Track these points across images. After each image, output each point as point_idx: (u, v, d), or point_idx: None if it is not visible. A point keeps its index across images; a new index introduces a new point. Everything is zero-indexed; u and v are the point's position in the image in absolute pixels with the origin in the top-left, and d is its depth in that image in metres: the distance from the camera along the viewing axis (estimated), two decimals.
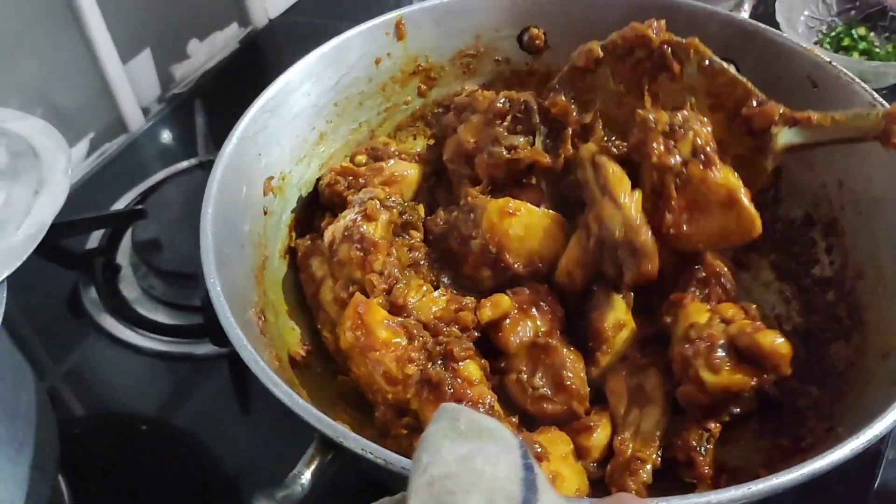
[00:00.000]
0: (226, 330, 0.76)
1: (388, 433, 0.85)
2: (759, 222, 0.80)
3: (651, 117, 0.84)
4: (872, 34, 1.45)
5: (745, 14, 1.03)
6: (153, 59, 1.47)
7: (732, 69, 0.90)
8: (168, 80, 1.52)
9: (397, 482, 0.62)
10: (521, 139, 0.99)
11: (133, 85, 1.44)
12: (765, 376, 0.77)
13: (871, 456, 0.97)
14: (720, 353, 0.78)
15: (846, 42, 1.43)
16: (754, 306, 0.86)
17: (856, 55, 1.40)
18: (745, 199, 0.81)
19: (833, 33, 1.45)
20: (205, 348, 1.11)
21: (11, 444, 0.81)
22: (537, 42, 1.12)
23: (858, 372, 0.82)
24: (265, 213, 0.98)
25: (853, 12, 1.48)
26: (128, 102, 1.44)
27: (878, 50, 1.41)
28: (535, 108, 0.99)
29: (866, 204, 0.91)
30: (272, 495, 0.66)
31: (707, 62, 0.90)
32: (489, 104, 1.00)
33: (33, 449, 0.84)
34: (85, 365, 1.13)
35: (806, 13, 1.45)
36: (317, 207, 1.06)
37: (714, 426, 0.81)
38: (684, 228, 0.84)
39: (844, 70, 0.94)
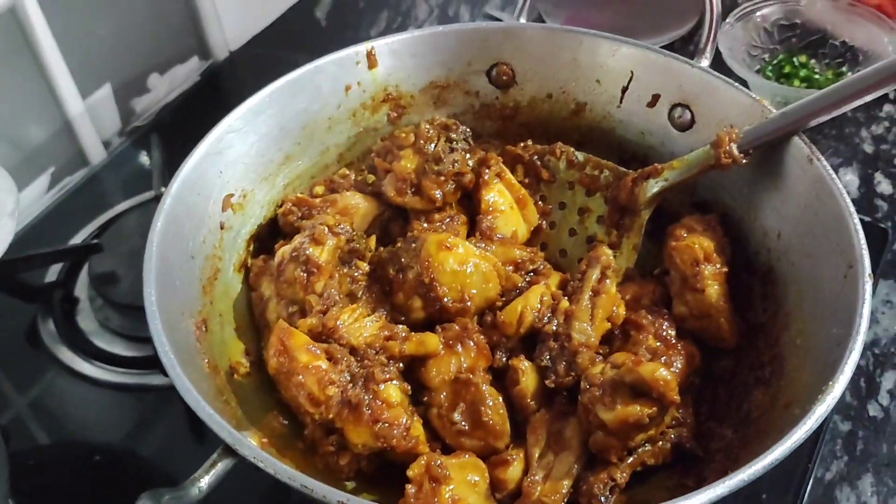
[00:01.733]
0: (153, 336, 0.81)
1: (316, 450, 0.90)
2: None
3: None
4: (813, 61, 1.49)
5: (705, 62, 1.08)
6: (114, 93, 1.50)
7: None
8: (129, 113, 1.55)
9: (293, 494, 0.70)
10: (461, 154, 1.06)
11: (94, 119, 1.47)
12: (656, 408, 0.81)
13: (799, 473, 1.01)
14: (612, 392, 0.83)
15: (787, 69, 1.47)
16: (643, 350, 0.91)
17: (797, 83, 1.44)
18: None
19: (775, 61, 1.49)
20: (160, 379, 1.13)
21: None
22: (505, 77, 1.16)
23: (767, 420, 0.85)
24: (222, 228, 1.02)
25: (794, 40, 1.52)
26: (88, 136, 1.47)
27: (818, 76, 1.46)
28: (464, 127, 1.09)
29: (798, 257, 0.94)
30: (158, 497, 0.70)
31: (573, 158, 1.09)
32: (416, 133, 1.05)
33: None
34: (43, 397, 1.15)
35: (747, 42, 1.49)
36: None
37: (620, 476, 0.85)
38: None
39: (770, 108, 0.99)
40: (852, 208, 0.87)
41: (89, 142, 1.48)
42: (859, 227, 0.86)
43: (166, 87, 1.60)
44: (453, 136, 1.07)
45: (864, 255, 0.84)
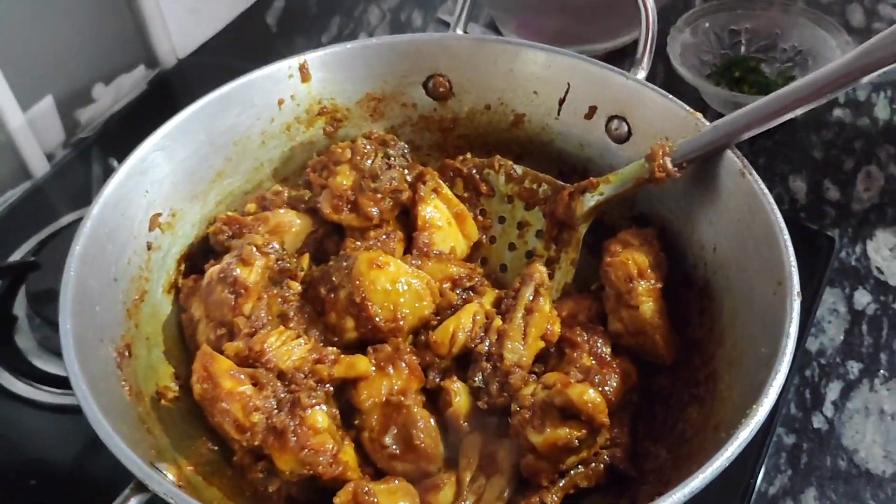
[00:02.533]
0: (66, 365, 0.79)
1: (245, 476, 0.88)
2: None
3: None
4: (763, 65, 1.49)
5: (642, 73, 1.07)
6: (56, 104, 1.47)
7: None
8: (73, 124, 1.52)
9: None
10: (398, 171, 1.06)
11: (36, 131, 1.44)
12: (586, 430, 0.81)
13: (742, 488, 1.00)
14: (542, 414, 0.82)
15: (737, 74, 1.46)
16: (574, 370, 0.90)
17: (747, 88, 1.44)
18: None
19: (725, 66, 1.48)
20: None
21: None
22: (442, 89, 1.15)
23: (700, 440, 0.84)
24: (150, 248, 1.00)
25: (744, 45, 1.51)
26: (30, 149, 1.44)
27: (767, 80, 1.45)
28: (402, 143, 1.09)
29: (733, 271, 0.93)
30: None
31: (512, 171, 1.10)
32: (353, 149, 1.04)
33: None
34: None
35: (697, 48, 1.48)
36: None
37: (551, 500, 0.84)
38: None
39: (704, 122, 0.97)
40: (783, 224, 0.86)
41: (31, 155, 1.45)
42: (789, 243, 0.85)
43: (112, 96, 1.58)
44: (391, 151, 1.06)
45: (794, 272, 0.83)
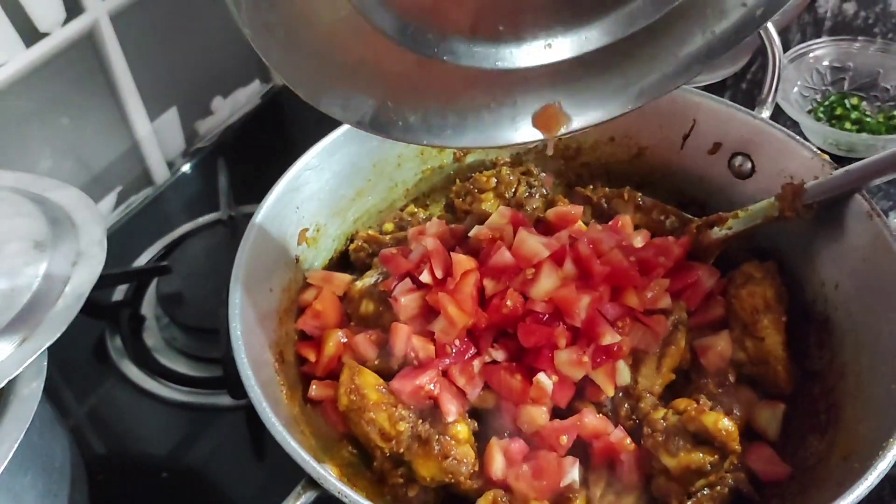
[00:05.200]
0: (238, 368, 0.84)
1: (385, 481, 0.93)
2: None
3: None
4: (864, 103, 1.52)
5: (766, 112, 1.11)
6: (179, 116, 1.55)
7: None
8: (193, 135, 1.60)
9: None
10: (540, 200, 1.13)
11: (160, 140, 1.52)
12: (717, 456, 0.86)
13: None
14: (676, 439, 0.87)
15: (839, 111, 1.49)
16: (703, 397, 0.93)
17: (848, 125, 1.47)
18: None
19: (826, 102, 1.51)
20: (223, 399, 1.17)
21: (47, 496, 0.88)
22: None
23: (825, 468, 0.88)
24: (297, 261, 1.06)
25: (846, 82, 1.54)
26: (154, 157, 1.52)
27: (869, 119, 1.48)
28: (543, 174, 1.14)
29: (856, 309, 0.96)
30: None
31: (640, 202, 1.13)
32: (498, 178, 1.11)
33: (66, 499, 0.91)
34: (109, 410, 1.20)
35: (800, 83, 1.52)
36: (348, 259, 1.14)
37: None
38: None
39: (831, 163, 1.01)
40: None
41: (155, 162, 1.53)
42: None
43: (229, 109, 1.65)
44: (533, 181, 1.11)
45: None
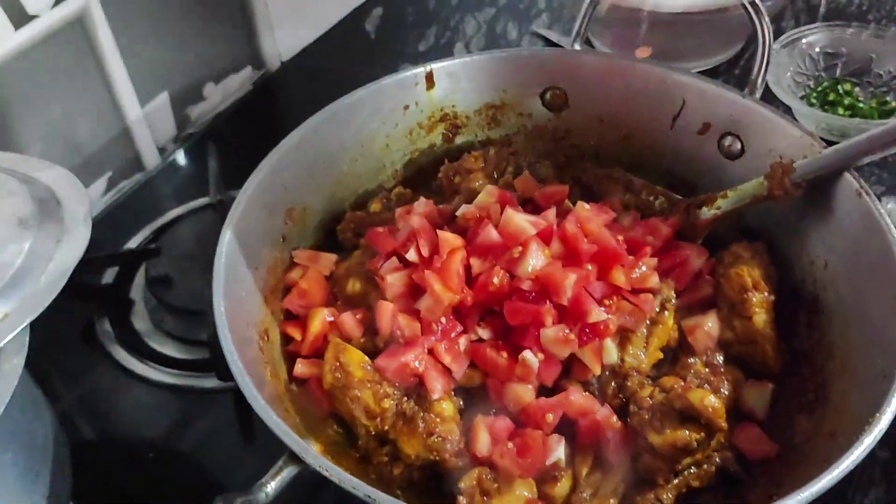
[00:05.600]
0: (222, 345, 0.84)
1: (370, 460, 0.93)
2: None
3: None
4: (857, 89, 1.51)
5: (757, 92, 1.11)
6: (170, 101, 1.54)
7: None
8: (184, 120, 1.59)
9: (351, 500, 0.73)
10: None
11: (150, 125, 1.51)
12: (704, 434, 0.85)
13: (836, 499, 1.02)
14: (662, 416, 0.86)
15: (832, 97, 1.48)
16: (691, 375, 0.94)
17: (841, 111, 1.46)
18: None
19: (819, 88, 1.51)
20: (211, 382, 1.17)
21: (28, 475, 0.87)
22: (558, 101, 1.19)
23: (812, 446, 0.87)
24: (283, 240, 1.06)
25: (839, 68, 1.54)
26: (145, 142, 1.52)
27: (861, 105, 1.47)
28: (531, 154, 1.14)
29: (845, 288, 0.96)
30: (231, 500, 0.75)
31: (629, 182, 1.13)
32: (486, 158, 1.11)
33: (49, 479, 0.90)
34: (97, 393, 1.19)
35: (792, 69, 1.51)
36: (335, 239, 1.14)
37: (666, 498, 0.87)
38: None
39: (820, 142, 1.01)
40: None
41: (145, 147, 1.52)
42: None
43: (220, 95, 1.65)
44: (521, 162, 1.11)
45: None
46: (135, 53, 1.42)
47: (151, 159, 1.54)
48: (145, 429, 1.16)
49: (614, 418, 0.91)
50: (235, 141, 1.55)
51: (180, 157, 1.57)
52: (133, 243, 1.39)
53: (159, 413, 1.18)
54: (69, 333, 1.26)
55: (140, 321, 1.28)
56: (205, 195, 1.43)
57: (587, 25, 1.21)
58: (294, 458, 0.77)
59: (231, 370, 0.82)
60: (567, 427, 0.93)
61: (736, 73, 1.62)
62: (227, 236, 0.93)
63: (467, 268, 0.96)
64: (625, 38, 1.62)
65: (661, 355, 0.97)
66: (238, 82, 1.68)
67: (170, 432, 1.15)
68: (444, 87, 1.16)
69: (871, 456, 1.06)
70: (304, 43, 1.79)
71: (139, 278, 1.33)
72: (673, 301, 0.99)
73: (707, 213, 1.05)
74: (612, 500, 0.88)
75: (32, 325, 0.81)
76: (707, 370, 0.95)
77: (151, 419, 1.17)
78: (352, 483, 0.74)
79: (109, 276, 1.33)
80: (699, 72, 1.57)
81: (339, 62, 1.73)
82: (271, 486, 0.76)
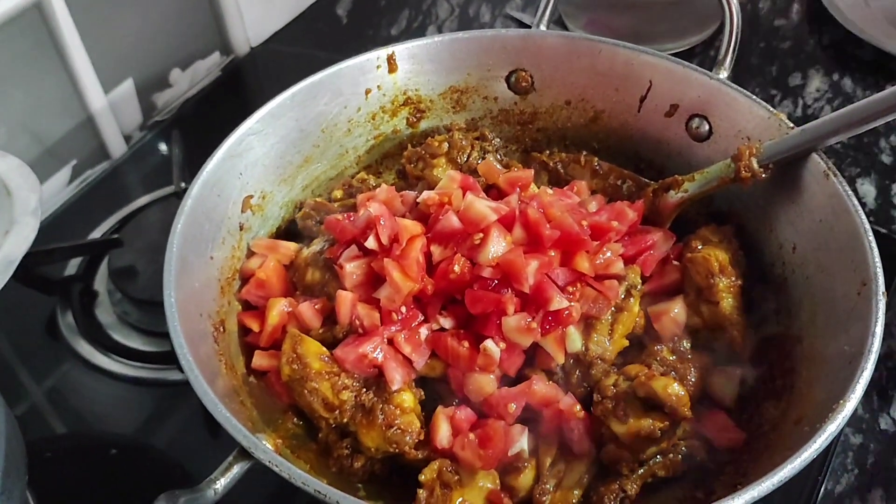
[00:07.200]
0: (171, 337, 0.83)
1: (330, 452, 0.91)
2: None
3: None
4: None
5: (724, 73, 1.09)
6: (136, 88, 1.51)
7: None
8: (150, 108, 1.56)
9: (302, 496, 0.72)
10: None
11: (115, 113, 1.48)
12: (668, 422, 0.83)
13: (809, 485, 1.01)
14: (626, 405, 0.85)
15: None
16: (656, 363, 0.92)
17: None
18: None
19: None
20: (176, 375, 1.15)
21: None
22: (524, 84, 1.17)
23: (778, 434, 0.86)
24: (241, 229, 1.04)
25: None
26: (110, 130, 1.49)
27: None
28: (498, 139, 1.13)
29: (813, 271, 0.95)
30: (175, 499, 0.72)
31: (597, 167, 1.11)
32: (450, 142, 1.08)
33: (0, 476, 0.88)
34: (60, 388, 1.17)
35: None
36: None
37: (631, 488, 0.86)
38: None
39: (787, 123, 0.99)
40: (867, 225, 0.88)
41: (111, 136, 1.49)
42: (874, 244, 0.86)
43: (187, 82, 1.62)
44: (487, 146, 1.08)
45: (879, 273, 0.84)
46: (97, 39, 1.39)
47: (117, 148, 1.51)
48: (109, 423, 1.14)
49: (578, 407, 0.89)
50: (204, 128, 1.50)
51: (147, 146, 1.54)
52: (98, 233, 1.37)
53: (124, 407, 1.16)
54: (31, 327, 1.24)
55: (104, 313, 1.26)
56: (171, 185, 1.40)
57: (553, 4, 1.18)
58: (245, 453, 0.75)
59: (181, 363, 0.80)
60: (531, 417, 0.91)
61: (711, 54, 1.60)
62: (178, 226, 0.91)
63: (428, 255, 0.94)
64: (599, 21, 1.60)
65: (626, 343, 0.95)
66: (206, 68, 1.65)
67: (134, 426, 1.13)
68: (407, 70, 1.14)
69: (845, 442, 1.07)
70: (275, 28, 1.76)
71: (103, 269, 1.30)
72: (639, 287, 0.97)
73: (674, 196, 1.03)
74: (576, 491, 0.87)
75: None
76: (674, 357, 0.93)
77: (115, 413, 1.15)
78: (302, 478, 0.72)
79: (72, 267, 1.31)
80: (673, 53, 1.55)
81: (310, 47, 1.70)
82: (221, 483, 0.75)
